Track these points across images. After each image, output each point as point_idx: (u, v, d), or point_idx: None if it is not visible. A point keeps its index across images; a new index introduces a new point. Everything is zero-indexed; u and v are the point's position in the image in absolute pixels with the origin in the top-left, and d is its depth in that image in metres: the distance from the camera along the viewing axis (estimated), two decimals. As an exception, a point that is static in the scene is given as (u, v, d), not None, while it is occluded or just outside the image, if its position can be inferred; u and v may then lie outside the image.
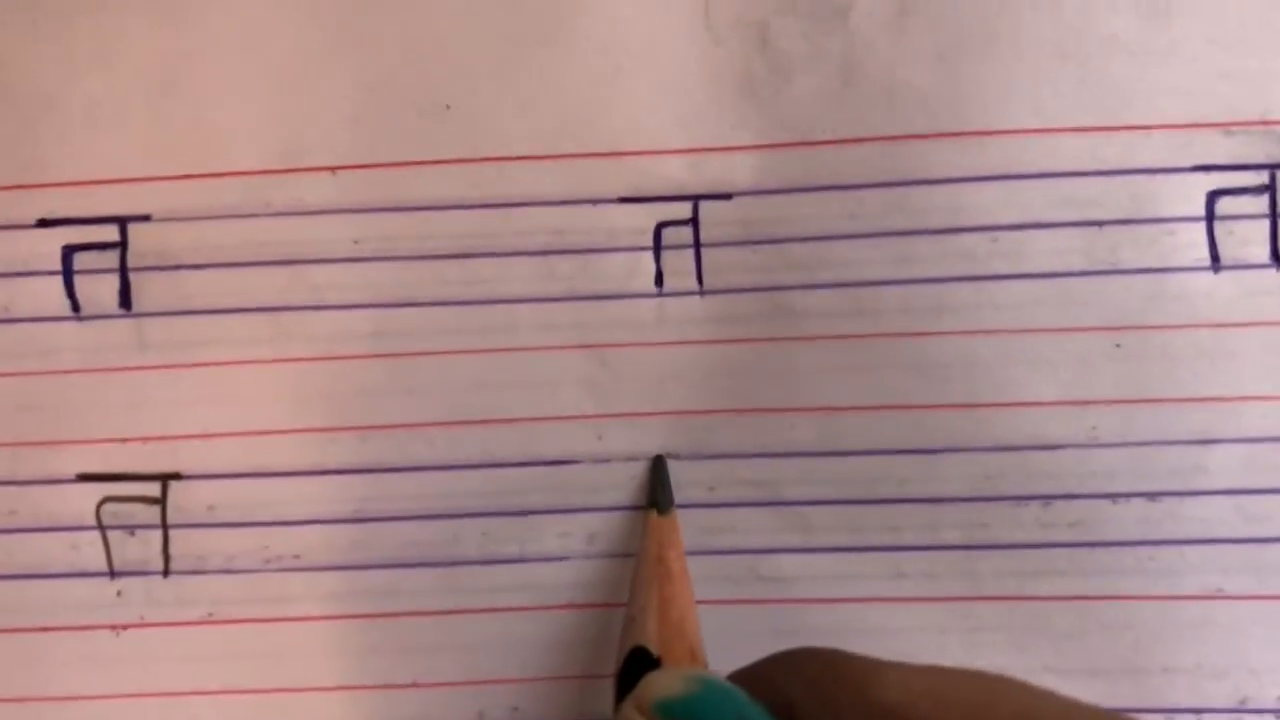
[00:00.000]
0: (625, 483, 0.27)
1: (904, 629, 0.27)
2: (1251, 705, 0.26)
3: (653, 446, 0.27)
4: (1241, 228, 0.26)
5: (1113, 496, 0.27)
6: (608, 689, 0.27)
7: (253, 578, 0.28)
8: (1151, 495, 0.27)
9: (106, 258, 0.28)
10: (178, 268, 0.28)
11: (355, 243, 0.27)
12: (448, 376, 0.27)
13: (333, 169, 0.27)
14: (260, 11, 0.27)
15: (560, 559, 0.27)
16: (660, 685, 0.21)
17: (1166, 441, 0.26)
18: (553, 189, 0.27)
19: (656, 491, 0.27)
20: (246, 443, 0.28)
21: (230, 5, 0.27)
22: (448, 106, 0.27)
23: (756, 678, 0.21)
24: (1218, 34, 0.26)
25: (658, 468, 0.27)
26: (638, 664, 0.24)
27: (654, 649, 0.24)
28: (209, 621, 0.28)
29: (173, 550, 0.28)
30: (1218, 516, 0.26)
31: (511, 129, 0.27)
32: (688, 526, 0.27)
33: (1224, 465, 0.26)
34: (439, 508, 0.27)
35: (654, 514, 0.27)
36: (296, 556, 0.28)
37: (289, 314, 0.28)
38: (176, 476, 0.28)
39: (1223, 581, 0.26)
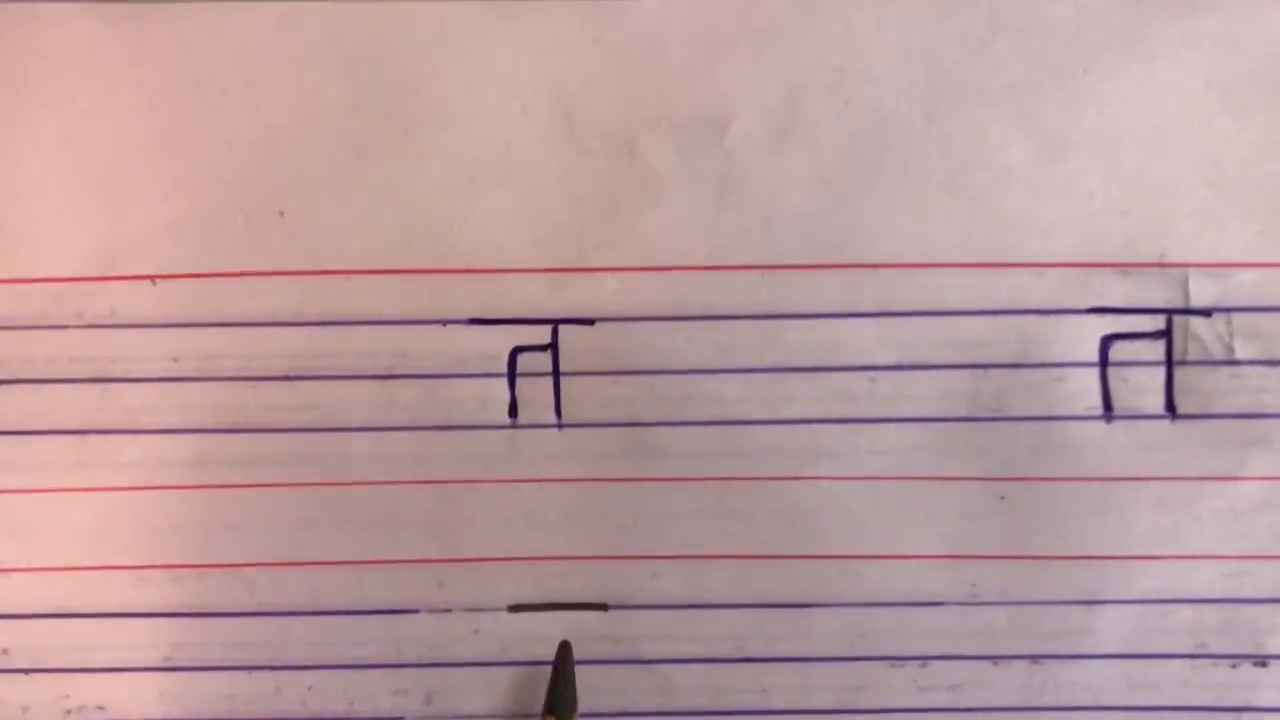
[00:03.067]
0: (467, 636, 0.25)
1: (769, 800, 0.25)
2: None
3: (500, 595, 0.25)
4: (1136, 375, 0.25)
5: (994, 658, 0.25)
6: None
7: (49, 731, 0.25)
8: (1034, 658, 0.25)
9: (-108, 369, 0.25)
10: (-27, 383, 0.25)
11: (174, 360, 0.25)
12: (272, 512, 0.25)
13: (152, 278, 0.25)
14: (76, 104, 0.25)
15: (393, 719, 0.25)
16: None
17: (1051, 601, 0.25)
18: (396, 307, 0.25)
19: (556, 693, 0.24)
20: (46, 579, 0.25)
21: (43, 96, 0.25)
22: (281, 213, 0.25)
23: None
24: (1116, 171, 0.25)
25: (563, 661, 0.24)
26: None
27: None
28: (-3, 780, 0.25)
29: (-42, 699, 0.25)
30: (1103, 683, 0.25)
31: (352, 240, 0.25)
32: (535, 688, 0.25)
33: (1111, 628, 0.25)
34: (259, 658, 0.25)
35: None
36: (100, 708, 0.25)
37: (97, 438, 0.25)
38: (-35, 615, 0.25)
39: (1108, 752, 0.25)
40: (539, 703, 0.25)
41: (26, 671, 0.25)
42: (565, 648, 0.24)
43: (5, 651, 0.25)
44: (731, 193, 0.25)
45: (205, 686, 0.25)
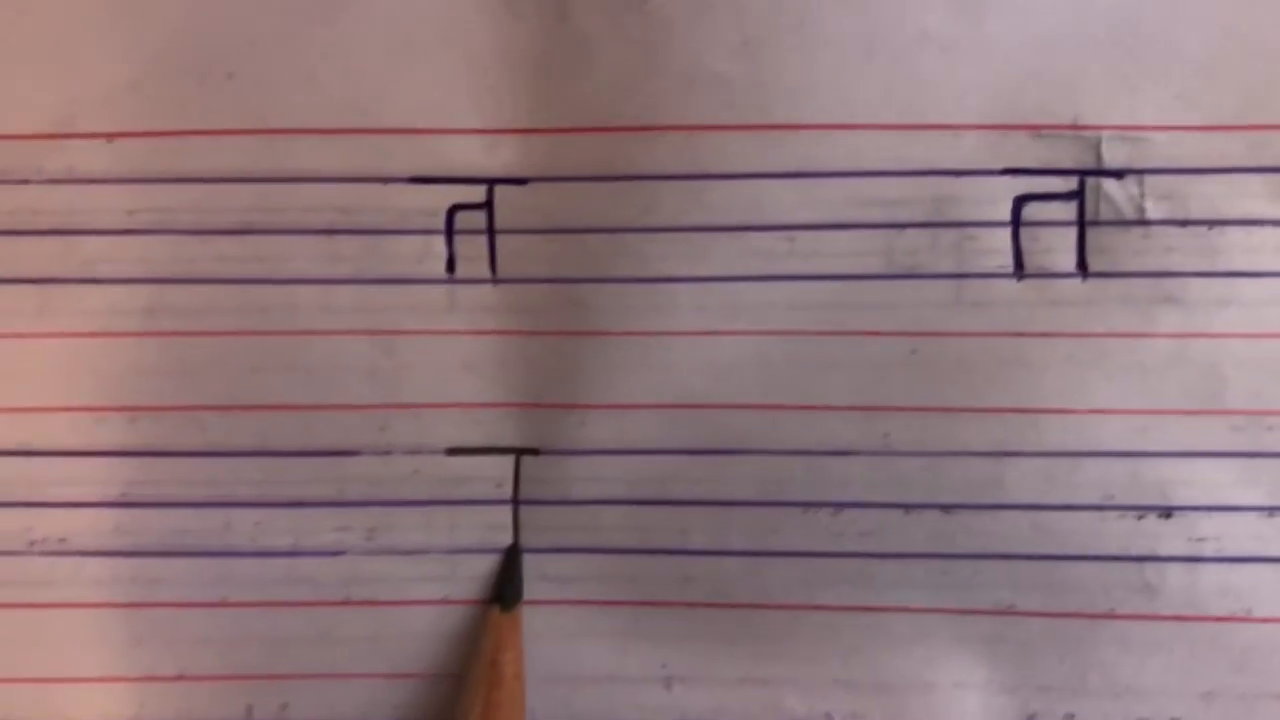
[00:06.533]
0: (407, 476, 0.26)
1: (689, 635, 0.26)
2: (1039, 723, 0.26)
3: (439, 439, 0.26)
4: (1047, 235, 0.25)
5: (905, 507, 0.26)
6: (381, 688, 0.26)
7: (15, 560, 0.26)
8: (945, 507, 0.26)
9: None
10: (-59, 234, 0.26)
11: (130, 214, 0.26)
12: (223, 358, 0.26)
13: (109, 136, 0.26)
14: (33, -34, 0.26)
15: (336, 553, 0.26)
16: None
17: (962, 452, 0.26)
18: (339, 165, 0.26)
19: (504, 585, 0.26)
20: (10, 419, 0.26)
21: (-1, -42, 0.26)
22: (230, 75, 0.26)
23: None
24: (1031, 34, 0.25)
25: (510, 559, 0.26)
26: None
27: None
28: (-33, 606, 0.27)
29: (-69, 530, 0.27)
30: (1013, 532, 0.26)
31: (297, 100, 0.26)
32: (471, 525, 0.26)
33: (1021, 479, 0.26)
34: (210, 495, 0.26)
35: (496, 610, 0.26)
36: (61, 540, 0.26)
37: (58, 286, 0.26)
38: (-63, 453, 0.26)
39: (1014, 598, 0.26)
40: (473, 539, 0.26)
41: (-7, 506, 0.27)
42: (514, 548, 0.26)
43: (-28, 488, 0.27)
44: (657, 54, 0.25)
45: (159, 522, 0.26)
